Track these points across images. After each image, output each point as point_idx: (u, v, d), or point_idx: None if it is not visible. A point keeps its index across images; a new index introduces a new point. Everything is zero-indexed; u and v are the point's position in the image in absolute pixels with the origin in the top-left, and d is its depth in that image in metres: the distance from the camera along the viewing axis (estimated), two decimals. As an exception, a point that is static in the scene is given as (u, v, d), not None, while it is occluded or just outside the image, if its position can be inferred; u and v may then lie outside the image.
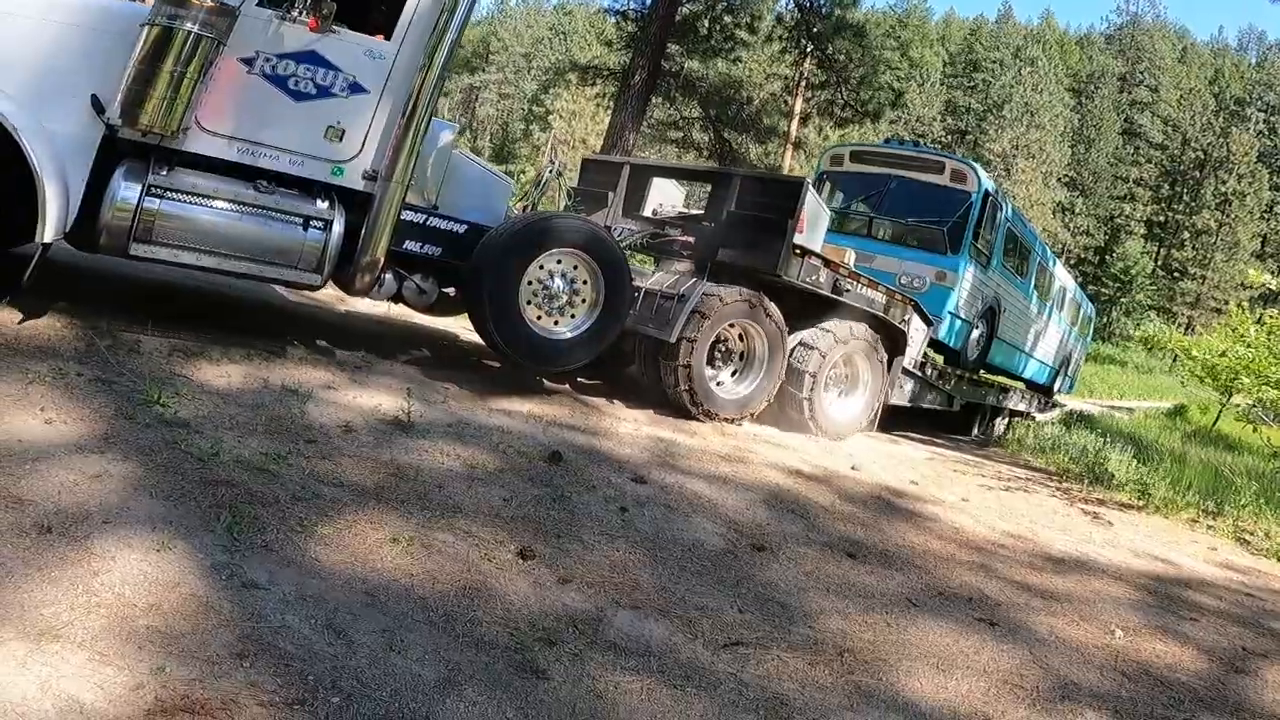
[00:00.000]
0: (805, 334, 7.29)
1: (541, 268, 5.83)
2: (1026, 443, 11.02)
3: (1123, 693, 3.60)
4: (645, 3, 17.52)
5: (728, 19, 18.16)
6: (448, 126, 6.29)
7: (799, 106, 23.75)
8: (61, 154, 4.45)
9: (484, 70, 74.22)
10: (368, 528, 3.36)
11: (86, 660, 2.15)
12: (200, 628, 2.42)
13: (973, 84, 57.09)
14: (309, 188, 5.16)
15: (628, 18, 18.34)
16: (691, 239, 7.09)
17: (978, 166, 10.53)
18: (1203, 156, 61.39)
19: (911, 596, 4.20)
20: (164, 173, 4.74)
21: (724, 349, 6.90)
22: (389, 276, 5.60)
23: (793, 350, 7.18)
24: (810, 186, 6.81)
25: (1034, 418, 13.90)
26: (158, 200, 4.69)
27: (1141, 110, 65.36)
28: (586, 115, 56.34)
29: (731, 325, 6.78)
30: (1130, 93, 66.39)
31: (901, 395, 8.77)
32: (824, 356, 7.24)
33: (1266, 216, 61.14)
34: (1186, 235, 61.02)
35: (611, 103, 18.18)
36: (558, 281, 5.87)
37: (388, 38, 5.22)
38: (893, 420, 10.02)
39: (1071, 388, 17.54)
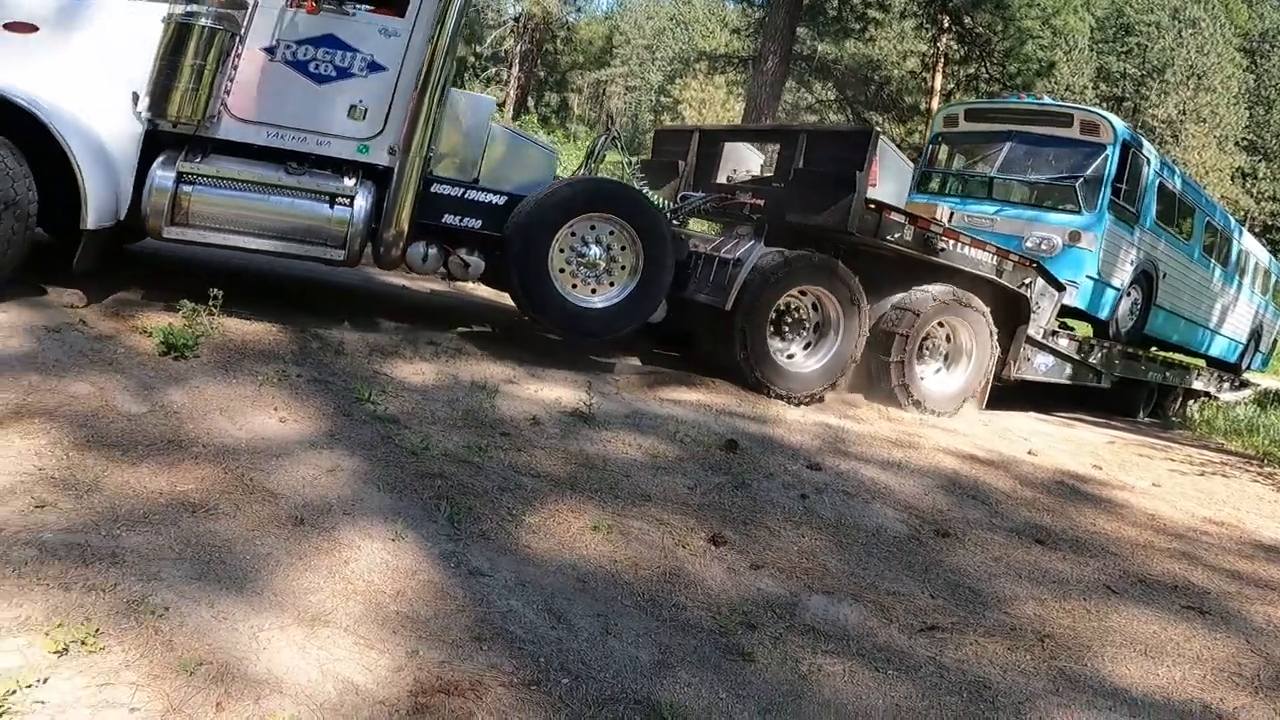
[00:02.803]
0: (896, 297, 6.80)
1: (574, 234, 5.70)
2: (1217, 425, 10.24)
3: (1357, 688, 3.37)
4: (770, -12, 17.30)
5: (857, -1, 17.70)
6: (484, 100, 6.30)
7: (939, 83, 22.90)
8: (104, 148, 4.80)
9: (610, 64, 74.92)
10: (569, 516, 3.55)
11: (353, 644, 2.40)
12: (440, 612, 2.65)
13: (1126, 48, 52.63)
14: (338, 167, 5.33)
15: (753, 3, 18.15)
16: (761, 202, 6.71)
17: (1112, 116, 9.54)
18: (1407, 114, 54.63)
19: (1109, 583, 4.06)
20: (197, 160, 5.03)
21: (794, 318, 6.42)
22: (433, 250, 5.63)
23: (883, 315, 6.72)
24: (882, 137, 6.37)
25: (1216, 398, 12.76)
26: (190, 186, 4.99)
27: (1330, 68, 58.77)
28: (716, 103, 55.97)
29: (800, 291, 6.31)
30: (1314, 49, 59.80)
31: (1030, 369, 8.02)
32: (918, 316, 6.67)
33: None
34: (1395, 199, 54.55)
35: (742, 90, 18.09)
36: (594, 248, 5.72)
37: (402, 14, 5.32)
38: (1054, 402, 9.57)
39: (1265, 364, 15.93)
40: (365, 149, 5.34)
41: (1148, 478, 6.38)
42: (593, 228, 5.77)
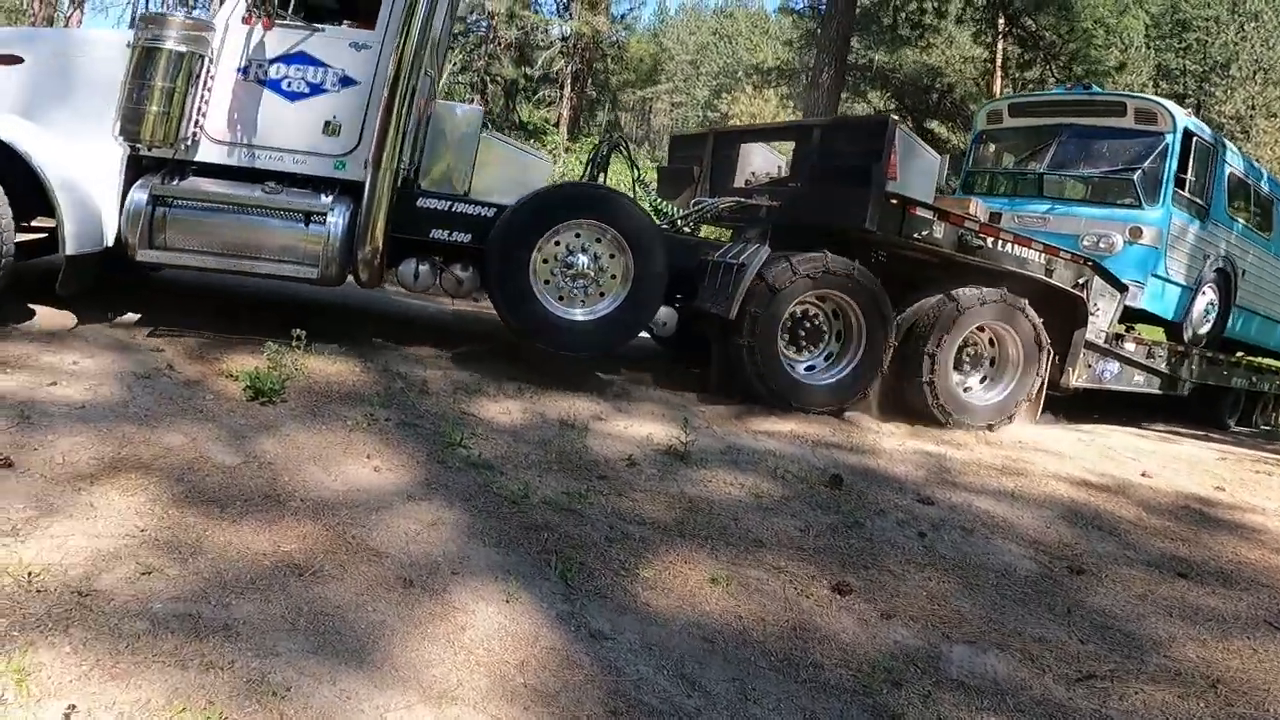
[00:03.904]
0: (926, 301, 6.27)
1: (558, 243, 5.44)
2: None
3: None
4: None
5: (913, 5, 17.35)
6: (472, 110, 6.12)
7: (998, 88, 22.37)
8: (83, 175, 4.82)
9: (656, 81, 75.07)
10: (684, 568, 3.34)
11: (485, 722, 2.21)
12: (570, 684, 2.45)
13: (1185, 45, 51.08)
14: (317, 184, 5.22)
15: (803, 16, 17.97)
16: (778, 204, 6.34)
17: (1170, 103, 8.87)
18: None
19: (1270, 619, 3.73)
20: (173, 182, 5.00)
21: (811, 326, 5.99)
22: (425, 267, 5.48)
23: (915, 323, 6.21)
24: (900, 126, 5.81)
25: None
26: (165, 208, 4.95)
27: (1398, 54, 56.32)
28: (767, 117, 55.54)
29: (817, 298, 5.90)
30: (1383, 35, 57.45)
31: (1092, 376, 7.41)
32: (952, 323, 6.16)
33: None
34: None
35: (794, 103, 17.88)
36: (581, 257, 5.45)
37: (372, 26, 5.20)
38: (1139, 413, 9.07)
39: None
40: (342, 165, 5.26)
41: (1275, 498, 5.95)
42: (577, 235, 5.49)
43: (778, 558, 3.59)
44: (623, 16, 33.85)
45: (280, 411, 4.27)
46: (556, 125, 27.14)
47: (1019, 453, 6.03)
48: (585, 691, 2.42)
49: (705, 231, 8.02)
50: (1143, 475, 5.98)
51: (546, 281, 5.49)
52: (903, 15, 16.87)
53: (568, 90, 28.68)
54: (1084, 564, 4.07)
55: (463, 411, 4.77)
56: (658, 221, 6.66)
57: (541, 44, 29.61)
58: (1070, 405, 8.01)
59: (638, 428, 5.00)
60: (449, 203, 5.51)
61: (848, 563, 3.68)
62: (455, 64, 29.26)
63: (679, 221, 6.71)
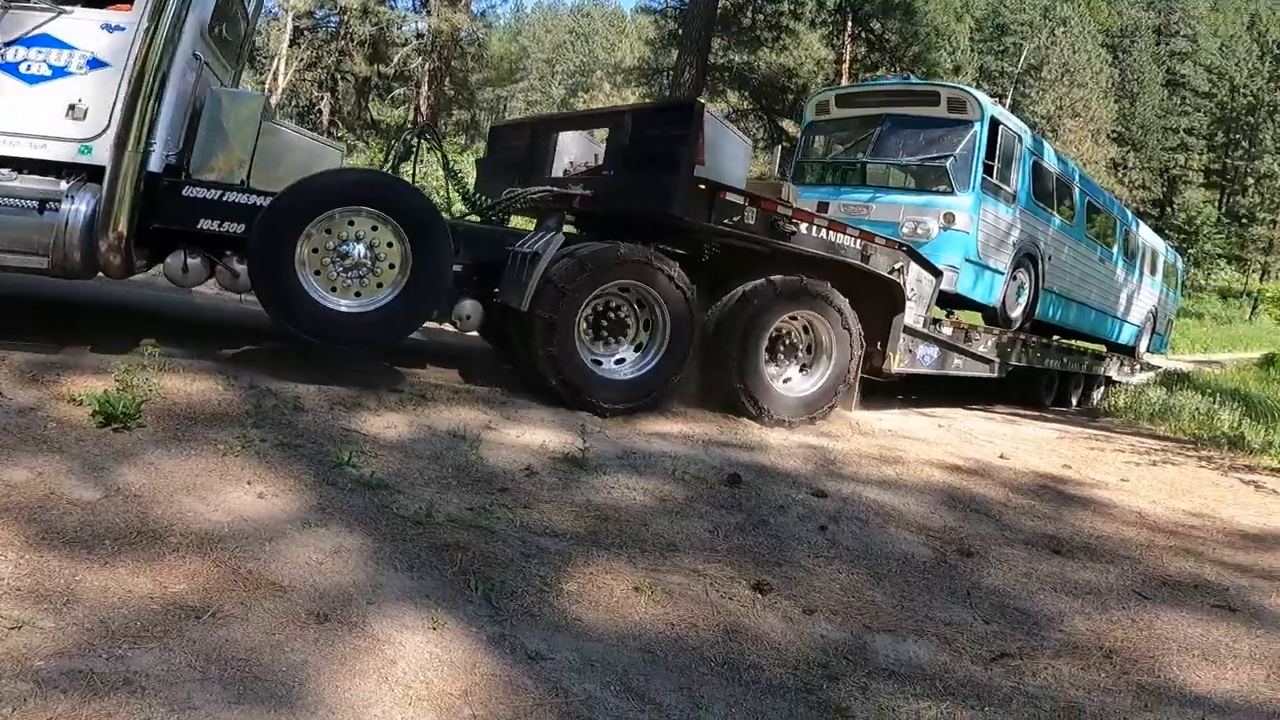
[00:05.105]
0: (735, 290, 6.01)
1: (329, 232, 5.15)
2: (1141, 410, 10.62)
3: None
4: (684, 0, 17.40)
5: (770, 7, 17.96)
6: (251, 96, 5.90)
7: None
8: None
9: (514, 80, 73.99)
10: (606, 578, 3.25)
11: (442, 761, 2.05)
12: (521, 711, 2.31)
13: (1003, 48, 55.54)
14: (62, 171, 4.91)
15: (666, 15, 18.24)
16: (591, 193, 6.18)
17: (978, 93, 9.03)
18: (1254, 101, 59.52)
19: (1137, 589, 4.04)
20: None
21: (614, 319, 5.70)
22: (195, 260, 5.19)
23: (724, 313, 6.01)
24: (710, 110, 5.76)
25: (1120, 383, 13.06)
26: None
27: (1182, 60, 63.16)
28: (625, 116, 55.49)
29: (618, 289, 5.62)
30: (1168, 44, 64.55)
31: (913, 361, 7.34)
32: (759, 312, 5.96)
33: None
34: (1250, 181, 59.28)
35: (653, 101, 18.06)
36: (357, 247, 5.16)
37: (129, 6, 4.96)
38: (965, 395, 9.59)
39: (1163, 347, 15.96)
40: (88, 149, 4.89)
41: (1113, 473, 6.49)
42: (352, 223, 5.21)
43: (694, 561, 3.56)
44: (483, 14, 32.91)
45: (139, 438, 3.86)
46: (414, 124, 26.22)
47: (891, 441, 6.29)
48: (538, 716, 2.29)
49: (519, 223, 7.78)
50: (1001, 457, 6.38)
51: (317, 272, 5.16)
52: (761, 17, 17.43)
53: (425, 89, 27.70)
54: (971, 547, 4.27)
55: (345, 428, 4.47)
56: (466, 211, 6.45)
57: (397, 40, 28.49)
58: (926, 392, 8.46)
59: (530, 436, 4.86)
60: (220, 192, 5.16)
61: (761, 561, 3.69)
62: (302, 60, 27.78)
63: (488, 211, 6.49)
